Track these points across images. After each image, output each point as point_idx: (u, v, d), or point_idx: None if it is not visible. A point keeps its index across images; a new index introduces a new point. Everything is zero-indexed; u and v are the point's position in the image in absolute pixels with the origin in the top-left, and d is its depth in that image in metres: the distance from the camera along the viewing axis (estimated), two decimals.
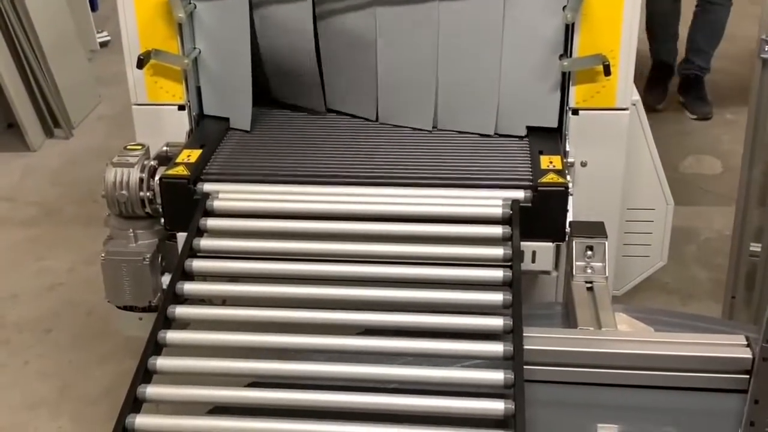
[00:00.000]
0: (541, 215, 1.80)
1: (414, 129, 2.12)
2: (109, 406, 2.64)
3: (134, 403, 1.49)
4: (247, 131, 2.14)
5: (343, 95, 2.20)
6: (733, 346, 1.53)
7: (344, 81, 2.18)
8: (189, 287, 1.70)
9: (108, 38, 5.57)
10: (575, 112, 2.00)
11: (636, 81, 2.02)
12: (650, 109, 3.87)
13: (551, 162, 1.89)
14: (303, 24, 2.09)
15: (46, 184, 4.06)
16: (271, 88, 2.26)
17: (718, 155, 4.06)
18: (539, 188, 1.81)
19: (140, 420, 1.47)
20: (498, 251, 1.70)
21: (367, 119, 2.18)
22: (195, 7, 2.07)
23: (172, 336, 1.60)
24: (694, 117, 4.23)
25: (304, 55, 2.12)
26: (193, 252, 1.77)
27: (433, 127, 2.11)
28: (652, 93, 4.27)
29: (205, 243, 1.78)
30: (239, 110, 2.13)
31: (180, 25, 2.02)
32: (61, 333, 3.02)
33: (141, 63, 1.98)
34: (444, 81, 2.06)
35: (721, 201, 3.69)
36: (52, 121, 4.48)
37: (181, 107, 2.09)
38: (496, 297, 1.61)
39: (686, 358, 1.52)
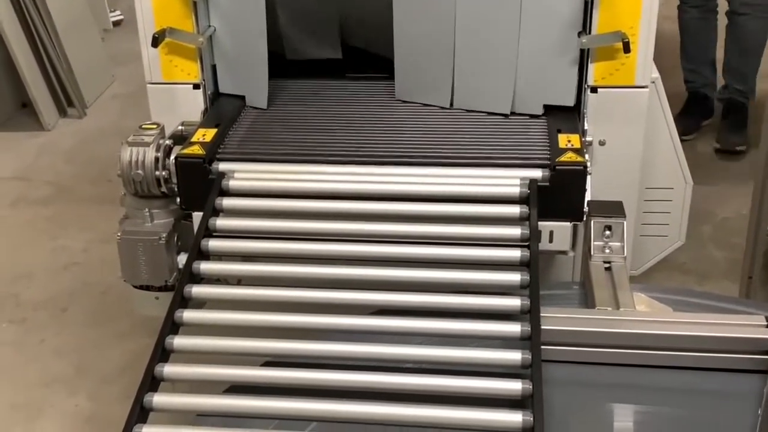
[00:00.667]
0: (559, 195, 1.79)
1: (432, 108, 2.10)
2: (126, 383, 2.66)
3: (152, 382, 1.50)
4: (262, 109, 2.13)
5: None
6: (752, 327, 1.52)
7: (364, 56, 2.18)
8: (205, 266, 1.70)
9: (121, 17, 5.57)
10: (594, 90, 1.97)
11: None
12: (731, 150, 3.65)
13: (569, 141, 1.87)
14: None
15: (60, 163, 4.07)
16: (286, 46, 2.23)
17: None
18: (557, 167, 1.79)
19: (158, 399, 1.47)
20: (515, 231, 1.69)
21: (382, 99, 2.16)
22: None
23: (188, 315, 1.60)
24: (717, 146, 3.67)
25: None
26: (209, 231, 1.76)
27: (450, 106, 2.09)
28: (682, 122, 3.73)
29: (221, 222, 1.78)
30: (255, 88, 2.12)
31: (195, 3, 2.01)
32: (76, 312, 3.04)
33: (156, 41, 1.97)
34: (461, 59, 2.04)
35: (738, 180, 3.66)
36: (66, 100, 4.48)
37: (196, 86, 2.08)
38: (514, 277, 1.60)
39: (705, 339, 1.51)
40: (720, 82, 3.90)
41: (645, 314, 1.59)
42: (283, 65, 2.21)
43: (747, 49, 3.73)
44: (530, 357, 1.44)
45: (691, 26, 3.82)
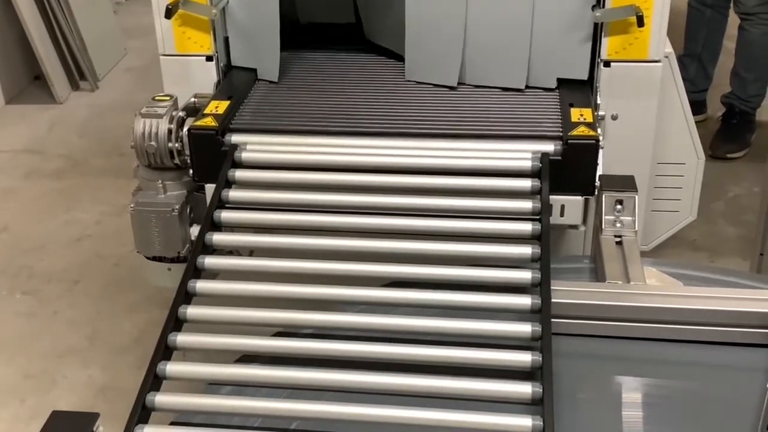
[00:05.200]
0: (570, 168, 1.79)
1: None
2: (138, 354, 2.69)
3: (165, 351, 1.51)
4: (275, 82, 2.13)
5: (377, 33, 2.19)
6: (763, 301, 1.52)
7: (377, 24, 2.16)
8: (218, 238, 1.71)
9: None
10: (607, 64, 1.97)
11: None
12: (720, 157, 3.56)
13: (582, 115, 1.87)
14: None
15: (73, 136, 4.09)
16: (299, 10, 2.22)
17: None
18: (569, 141, 1.79)
19: (171, 367, 1.48)
20: (527, 204, 1.69)
21: (395, 71, 2.15)
22: None
23: (201, 285, 1.61)
24: (709, 153, 3.34)
25: None
26: (221, 203, 1.77)
27: (460, 83, 2.07)
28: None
29: (234, 194, 1.78)
30: (267, 61, 2.12)
31: None
32: (89, 284, 3.06)
33: (169, 13, 1.97)
34: (474, 34, 2.03)
35: (750, 157, 3.65)
36: (78, 73, 4.49)
37: (209, 58, 2.08)
38: (525, 250, 1.61)
39: (715, 313, 1.51)
40: (719, 85, 3.84)
41: (655, 288, 1.59)
42: (296, 33, 2.20)
43: (747, 56, 3.65)
44: (540, 329, 1.45)
45: (689, 12, 3.76)
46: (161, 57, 2.09)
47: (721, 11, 3.71)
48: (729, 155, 3.63)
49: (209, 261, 1.66)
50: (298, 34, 2.23)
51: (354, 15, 2.23)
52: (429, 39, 2.07)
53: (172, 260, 1.98)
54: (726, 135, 3.70)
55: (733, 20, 3.73)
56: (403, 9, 2.06)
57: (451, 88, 2.07)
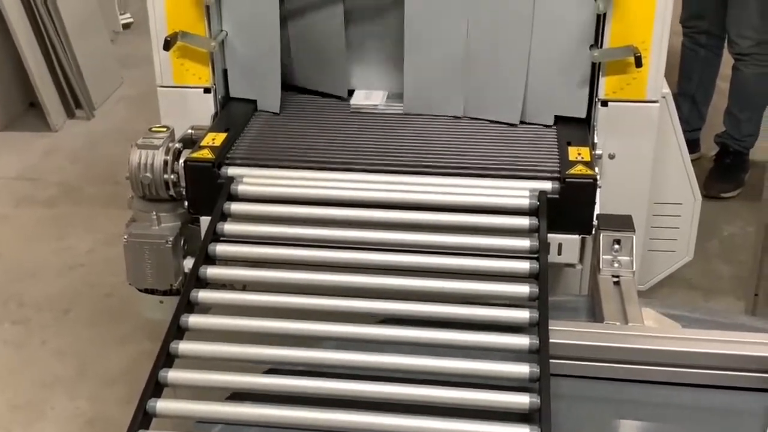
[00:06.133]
0: (568, 207, 1.78)
1: (442, 117, 2.10)
2: (127, 386, 2.66)
3: (156, 387, 1.49)
4: (273, 114, 2.13)
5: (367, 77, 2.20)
6: (762, 345, 1.51)
7: (368, 66, 2.17)
8: (212, 271, 1.69)
9: (131, 20, 5.58)
10: (604, 103, 1.97)
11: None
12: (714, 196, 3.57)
13: (579, 153, 1.87)
14: (334, 3, 2.08)
15: (67, 164, 4.08)
16: (295, 73, 2.23)
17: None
18: (567, 180, 1.78)
19: (161, 404, 1.46)
20: (524, 242, 1.68)
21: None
22: None
23: (194, 320, 1.59)
24: (703, 192, 3.25)
25: (333, 36, 2.11)
26: (216, 236, 1.76)
27: (458, 118, 2.07)
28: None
29: (229, 227, 1.77)
30: (268, 92, 2.12)
31: (207, 7, 2.00)
32: (79, 313, 3.04)
33: (168, 45, 1.97)
34: (473, 68, 2.03)
35: (744, 196, 3.66)
36: (74, 101, 4.49)
37: (207, 90, 2.07)
38: (522, 289, 1.59)
39: (714, 356, 1.50)
40: (712, 125, 3.85)
41: (654, 330, 1.57)
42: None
43: (741, 96, 3.66)
44: (538, 370, 1.43)
45: (682, 52, 3.77)
46: (159, 88, 2.09)
47: (715, 51, 3.74)
48: (723, 194, 3.64)
49: (203, 295, 1.64)
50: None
51: (347, 91, 2.23)
52: (428, 76, 2.07)
53: (165, 293, 1.96)
54: (720, 174, 3.71)
55: (727, 60, 3.75)
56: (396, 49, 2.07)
57: (456, 117, 2.08)
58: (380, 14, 2.14)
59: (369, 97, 2.17)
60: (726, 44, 3.64)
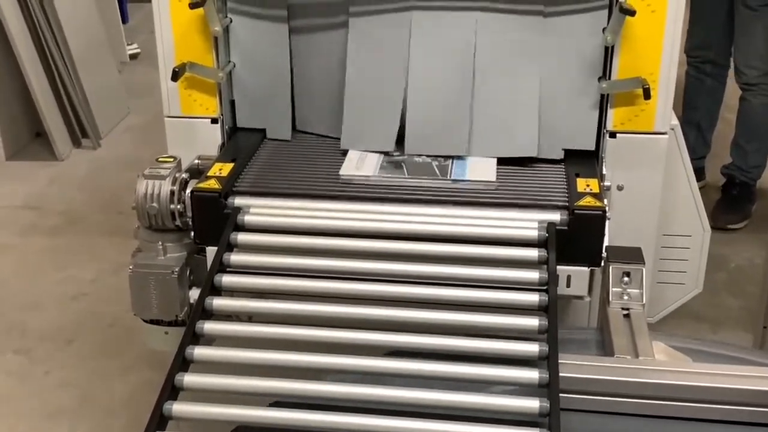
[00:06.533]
0: (577, 239, 1.77)
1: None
2: (130, 417, 2.64)
3: (160, 420, 1.47)
4: (280, 144, 2.12)
5: (363, 132, 2.09)
6: None
7: (367, 115, 2.08)
8: (218, 302, 1.68)
9: (138, 50, 5.62)
10: (613, 135, 1.96)
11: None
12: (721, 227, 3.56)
13: (588, 185, 1.86)
14: (339, 47, 2.06)
15: (73, 193, 4.08)
16: (296, 117, 2.21)
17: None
18: (576, 211, 1.77)
19: None
20: (533, 275, 1.67)
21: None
22: (231, 21, 2.06)
23: (199, 352, 1.58)
24: (710, 223, 3.63)
25: (336, 81, 2.09)
26: (222, 267, 1.74)
27: (467, 154, 2.04)
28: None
29: (236, 258, 1.76)
30: (278, 120, 2.12)
31: (216, 39, 2.01)
32: (83, 343, 3.02)
33: (176, 75, 1.97)
34: (480, 106, 2.01)
35: (751, 228, 3.64)
36: (80, 131, 4.51)
37: (214, 120, 2.07)
38: (532, 322, 1.57)
39: (726, 391, 1.48)
40: (717, 155, 3.86)
41: (665, 364, 1.55)
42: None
43: (748, 127, 3.67)
44: (548, 405, 1.41)
45: (687, 82, 3.78)
46: (166, 118, 2.09)
47: (720, 80, 3.75)
48: (730, 226, 3.63)
49: (209, 326, 1.63)
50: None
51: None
52: (432, 113, 2.03)
53: (170, 323, 1.95)
54: (727, 206, 3.70)
55: (734, 91, 3.76)
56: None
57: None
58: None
59: (360, 166, 2.01)
60: (734, 74, 3.64)
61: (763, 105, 3.58)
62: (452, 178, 1.95)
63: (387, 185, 1.92)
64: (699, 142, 3.81)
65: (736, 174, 3.74)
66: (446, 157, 2.02)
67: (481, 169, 1.97)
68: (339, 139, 2.10)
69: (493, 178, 1.93)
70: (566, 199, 1.83)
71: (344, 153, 2.06)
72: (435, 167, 1.99)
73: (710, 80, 3.74)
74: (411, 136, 2.04)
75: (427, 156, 2.03)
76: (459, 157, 2.02)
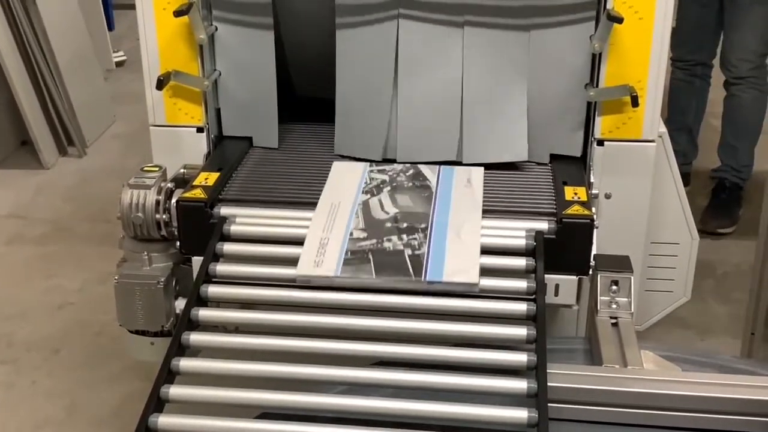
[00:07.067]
0: (565, 247, 1.76)
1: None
2: (117, 427, 2.62)
3: None
4: (266, 153, 2.11)
5: (353, 138, 2.09)
6: (763, 389, 1.48)
7: (357, 122, 2.08)
8: (204, 313, 1.66)
9: (124, 58, 5.59)
10: (600, 142, 1.96)
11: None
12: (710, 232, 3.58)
13: (576, 193, 1.85)
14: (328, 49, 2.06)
15: (59, 202, 4.05)
16: (295, 83, 2.19)
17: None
18: (564, 220, 1.77)
19: None
20: (521, 284, 1.66)
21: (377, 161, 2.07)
22: (216, 29, 2.05)
23: (185, 363, 1.56)
24: (700, 227, 3.32)
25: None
26: (208, 277, 1.73)
27: (457, 162, 2.05)
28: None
29: (222, 268, 1.74)
30: (265, 128, 2.11)
31: (201, 47, 2.00)
32: (69, 353, 3.00)
33: (160, 84, 1.96)
34: (469, 113, 2.01)
35: (738, 234, 3.65)
36: (66, 139, 4.48)
37: (200, 129, 2.06)
38: (520, 331, 1.56)
39: (715, 400, 1.47)
40: (707, 159, 3.89)
41: (654, 373, 1.55)
42: (287, 107, 2.18)
43: (737, 124, 3.69)
44: (537, 415, 1.40)
45: (675, 87, 3.80)
46: (151, 127, 2.08)
47: (707, 80, 3.83)
48: (720, 230, 3.64)
49: (195, 337, 1.61)
50: (289, 109, 2.20)
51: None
52: (422, 121, 2.03)
53: (156, 334, 1.93)
54: (716, 210, 3.72)
55: (715, 98, 3.77)
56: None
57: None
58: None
59: (320, 262, 1.70)
60: (722, 68, 3.66)
61: (753, 99, 3.60)
62: (427, 278, 1.66)
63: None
64: (690, 147, 3.84)
65: (727, 176, 3.75)
66: (419, 245, 1.73)
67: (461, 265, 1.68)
68: (325, 144, 2.11)
69: (476, 280, 1.64)
70: (554, 207, 1.83)
71: (329, 161, 2.05)
72: (407, 259, 1.70)
73: (699, 81, 3.78)
74: (402, 144, 2.04)
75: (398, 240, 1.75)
76: (438, 247, 1.73)
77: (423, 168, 2.00)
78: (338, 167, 2.01)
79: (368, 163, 2.03)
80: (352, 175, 1.97)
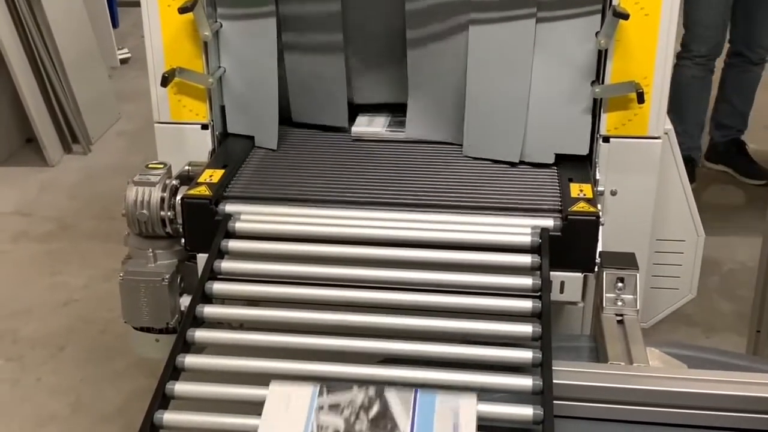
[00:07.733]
0: (570, 245, 1.76)
1: (442, 152, 2.08)
2: (122, 424, 2.62)
3: (151, 429, 1.45)
4: (271, 150, 2.11)
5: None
6: None
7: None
8: (209, 310, 1.66)
9: (128, 55, 5.60)
10: (606, 139, 1.95)
11: None
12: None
13: (581, 190, 1.85)
14: (333, 36, 2.07)
15: (64, 199, 4.06)
16: (291, 109, 2.21)
17: (740, 185, 4.03)
18: (569, 217, 1.76)
19: None
20: (527, 281, 1.66)
21: (392, 142, 2.13)
22: (221, 26, 2.05)
23: (190, 360, 1.56)
24: (755, 182, 3.93)
25: (333, 65, 2.10)
26: (213, 274, 1.73)
27: (457, 158, 2.05)
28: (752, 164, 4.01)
29: (226, 265, 1.74)
30: (265, 128, 2.10)
31: (205, 44, 2.00)
32: (74, 350, 3.00)
33: (165, 81, 1.96)
34: (472, 107, 2.01)
35: (744, 231, 3.64)
36: (71, 136, 4.49)
37: (204, 126, 2.06)
38: (525, 328, 1.56)
39: (722, 397, 1.47)
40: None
41: (660, 370, 1.54)
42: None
43: (747, 94, 3.93)
44: (542, 412, 1.40)
45: (688, 84, 3.79)
46: (156, 124, 2.07)
47: (713, 70, 3.88)
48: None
49: (200, 334, 1.61)
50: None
51: (347, 119, 2.20)
52: (432, 107, 2.05)
53: (161, 331, 1.93)
54: (751, 161, 4.01)
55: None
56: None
57: (453, 153, 2.06)
58: (379, 40, 2.12)
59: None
60: (747, 53, 3.83)
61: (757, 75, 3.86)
62: None
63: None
64: (702, 140, 3.97)
65: (736, 136, 3.99)
66: None
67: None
68: (331, 141, 2.14)
69: None
70: (559, 204, 1.82)
71: (336, 160, 2.06)
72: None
73: (710, 76, 3.83)
74: (411, 120, 2.08)
75: None
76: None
77: (390, 397, 1.44)
78: (277, 391, 1.45)
79: (316, 387, 1.46)
80: (294, 412, 1.41)
